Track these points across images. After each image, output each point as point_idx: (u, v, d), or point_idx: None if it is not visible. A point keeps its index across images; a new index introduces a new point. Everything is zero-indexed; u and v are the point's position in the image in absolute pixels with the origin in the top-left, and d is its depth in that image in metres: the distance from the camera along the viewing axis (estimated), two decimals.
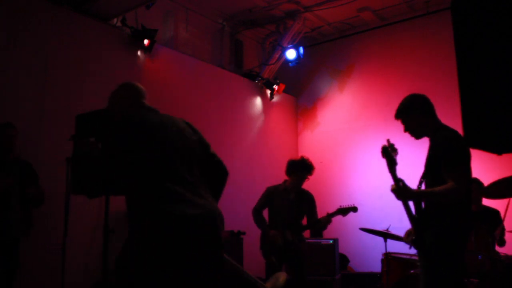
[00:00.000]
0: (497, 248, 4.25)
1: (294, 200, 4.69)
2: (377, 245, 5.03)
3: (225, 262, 2.36)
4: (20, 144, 3.96)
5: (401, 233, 4.61)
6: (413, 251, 4.82)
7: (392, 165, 2.78)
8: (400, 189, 2.72)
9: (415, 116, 2.95)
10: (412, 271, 4.26)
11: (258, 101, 7.58)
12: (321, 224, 4.66)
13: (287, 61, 7.27)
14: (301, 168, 4.66)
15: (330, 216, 4.62)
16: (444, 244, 2.68)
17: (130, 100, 2.62)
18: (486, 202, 4.66)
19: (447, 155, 2.67)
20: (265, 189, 4.87)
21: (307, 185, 4.81)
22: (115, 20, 5.50)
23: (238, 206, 6.52)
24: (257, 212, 4.78)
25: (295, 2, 6.93)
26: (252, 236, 6.16)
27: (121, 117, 2.46)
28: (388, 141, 2.90)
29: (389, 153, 2.81)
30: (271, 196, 4.76)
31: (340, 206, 4.71)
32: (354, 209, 4.68)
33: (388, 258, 4.57)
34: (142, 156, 2.26)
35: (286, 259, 4.61)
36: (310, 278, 5.00)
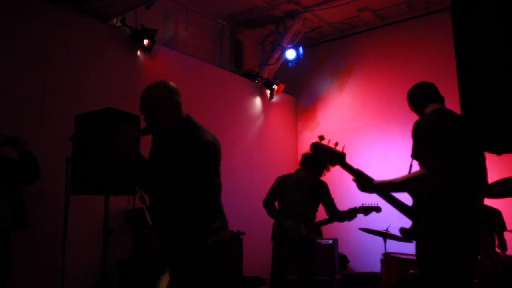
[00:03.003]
0: (497, 248, 4.25)
1: (308, 194, 4.44)
2: (377, 245, 5.03)
3: None
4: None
5: (355, 181, 4.58)
6: (412, 251, 4.82)
7: (336, 158, 2.57)
8: (360, 181, 2.52)
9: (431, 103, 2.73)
10: (411, 271, 4.26)
11: (257, 101, 7.58)
12: (344, 218, 4.33)
13: (287, 61, 7.27)
14: (316, 163, 4.32)
15: (354, 212, 4.30)
16: (432, 240, 2.41)
17: (180, 109, 2.59)
18: (486, 201, 4.67)
19: (415, 140, 2.48)
20: (275, 180, 4.61)
21: None
22: (115, 20, 5.50)
23: (237, 206, 6.52)
24: (268, 204, 4.52)
25: (295, 2, 6.93)
26: (252, 236, 6.17)
27: (210, 137, 2.51)
28: (320, 137, 2.66)
29: (321, 147, 2.60)
30: (282, 188, 4.50)
31: (363, 204, 4.37)
32: (377, 209, 4.31)
33: (388, 258, 4.57)
34: (217, 178, 2.56)
35: (297, 255, 4.38)
36: None
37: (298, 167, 4.54)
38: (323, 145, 2.63)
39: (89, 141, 3.66)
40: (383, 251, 4.67)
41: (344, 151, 2.62)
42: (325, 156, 2.63)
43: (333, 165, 2.66)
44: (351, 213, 4.31)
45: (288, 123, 8.23)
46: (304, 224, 4.35)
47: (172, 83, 2.57)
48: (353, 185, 2.60)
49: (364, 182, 2.51)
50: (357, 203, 4.41)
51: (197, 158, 2.40)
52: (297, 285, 4.38)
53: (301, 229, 4.33)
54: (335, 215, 4.47)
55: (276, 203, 4.59)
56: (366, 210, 4.33)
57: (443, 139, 2.42)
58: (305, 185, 4.44)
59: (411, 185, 2.44)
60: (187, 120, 2.57)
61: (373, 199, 4.39)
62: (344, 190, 7.06)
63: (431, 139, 2.43)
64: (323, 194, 4.52)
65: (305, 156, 4.44)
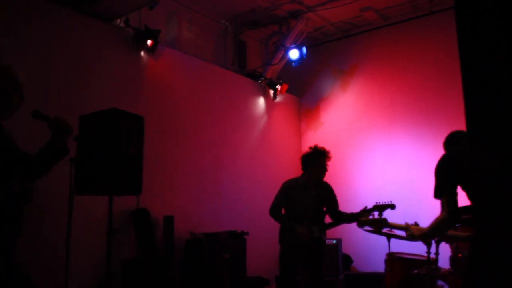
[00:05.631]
0: None
1: (316, 195, 4.45)
2: (381, 245, 5.02)
3: None
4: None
5: (405, 233, 4.61)
6: (416, 251, 4.81)
7: (382, 223, 3.05)
8: (408, 233, 2.80)
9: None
10: (415, 271, 4.25)
11: (261, 101, 7.58)
12: (357, 218, 4.31)
13: (290, 61, 7.27)
14: (316, 156, 4.43)
15: (368, 212, 4.24)
16: (471, 266, 2.25)
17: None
18: None
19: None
20: (281, 186, 4.57)
21: None
22: (118, 20, 5.51)
23: (241, 206, 6.53)
24: (275, 211, 4.46)
25: (298, 2, 6.93)
26: (255, 236, 6.17)
27: None
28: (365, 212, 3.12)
29: (367, 221, 3.15)
30: (289, 192, 4.47)
31: (376, 202, 4.30)
32: (392, 206, 4.22)
33: (392, 258, 4.57)
34: None
35: (308, 256, 4.37)
36: None
37: (301, 168, 4.55)
38: (368, 219, 3.19)
39: (93, 141, 3.67)
40: (387, 251, 4.66)
41: (384, 217, 3.15)
42: (373, 225, 3.14)
43: (381, 229, 3.12)
44: (365, 213, 4.23)
45: (292, 123, 8.22)
46: (316, 226, 4.35)
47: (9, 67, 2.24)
48: (336, 192, 2.66)
49: (410, 233, 2.79)
50: (362, 204, 4.40)
51: None
52: (305, 285, 4.37)
53: (314, 230, 4.32)
54: (345, 216, 4.43)
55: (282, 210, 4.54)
56: (381, 208, 4.23)
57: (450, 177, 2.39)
58: (312, 185, 4.47)
59: (436, 229, 2.54)
60: None
61: (383, 197, 4.40)
62: (349, 192, 7.06)
63: (441, 179, 2.46)
64: (329, 196, 4.53)
65: (303, 157, 4.55)
